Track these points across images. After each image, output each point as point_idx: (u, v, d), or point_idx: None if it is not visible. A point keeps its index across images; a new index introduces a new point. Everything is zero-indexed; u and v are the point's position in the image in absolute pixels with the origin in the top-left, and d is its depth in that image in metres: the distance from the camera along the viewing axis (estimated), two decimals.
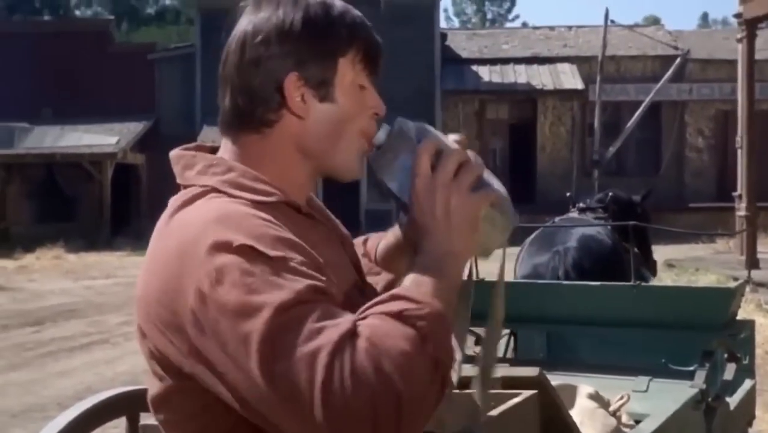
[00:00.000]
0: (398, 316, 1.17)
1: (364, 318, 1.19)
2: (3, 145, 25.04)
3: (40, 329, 11.08)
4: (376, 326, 1.16)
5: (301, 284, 1.18)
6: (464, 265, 1.34)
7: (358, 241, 1.73)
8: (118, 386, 2.37)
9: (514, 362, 3.38)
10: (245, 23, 1.42)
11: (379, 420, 1.10)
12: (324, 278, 1.23)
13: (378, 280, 1.62)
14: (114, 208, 24.90)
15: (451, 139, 1.39)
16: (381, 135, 1.40)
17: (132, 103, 26.76)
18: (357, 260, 1.59)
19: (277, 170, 1.41)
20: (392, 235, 1.65)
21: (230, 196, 1.34)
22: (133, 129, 26.19)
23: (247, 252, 1.20)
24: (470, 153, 1.35)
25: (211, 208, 1.30)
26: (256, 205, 1.33)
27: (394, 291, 1.24)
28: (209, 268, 1.20)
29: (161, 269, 1.28)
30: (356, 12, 1.44)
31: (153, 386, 1.36)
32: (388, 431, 1.11)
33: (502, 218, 1.37)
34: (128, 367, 8.53)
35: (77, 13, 57.00)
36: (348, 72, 1.42)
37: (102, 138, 25.54)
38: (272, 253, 1.20)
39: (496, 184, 1.38)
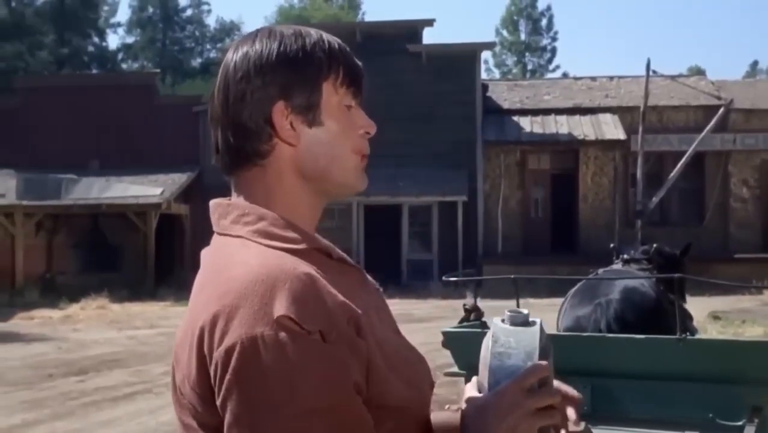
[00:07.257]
0: None
1: None
2: (50, 197, 25.44)
3: (84, 379, 11.16)
4: None
5: (333, 380, 1.22)
6: None
7: None
8: None
9: None
10: (226, 65, 1.46)
11: None
12: (362, 347, 1.27)
13: None
14: (158, 259, 25.12)
15: (570, 392, 1.44)
16: (519, 317, 1.42)
17: (176, 154, 27.11)
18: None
19: (286, 200, 1.43)
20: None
21: (260, 246, 1.35)
22: (177, 180, 26.52)
23: (286, 327, 1.22)
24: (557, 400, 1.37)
25: (251, 263, 1.30)
26: (288, 253, 1.34)
27: None
28: (245, 336, 1.22)
29: (196, 324, 1.29)
30: (332, 38, 1.47)
31: None
32: None
33: None
34: (171, 417, 8.53)
35: (124, 66, 58.23)
36: (332, 95, 1.44)
37: (147, 189, 25.88)
38: (309, 327, 1.22)
39: None
